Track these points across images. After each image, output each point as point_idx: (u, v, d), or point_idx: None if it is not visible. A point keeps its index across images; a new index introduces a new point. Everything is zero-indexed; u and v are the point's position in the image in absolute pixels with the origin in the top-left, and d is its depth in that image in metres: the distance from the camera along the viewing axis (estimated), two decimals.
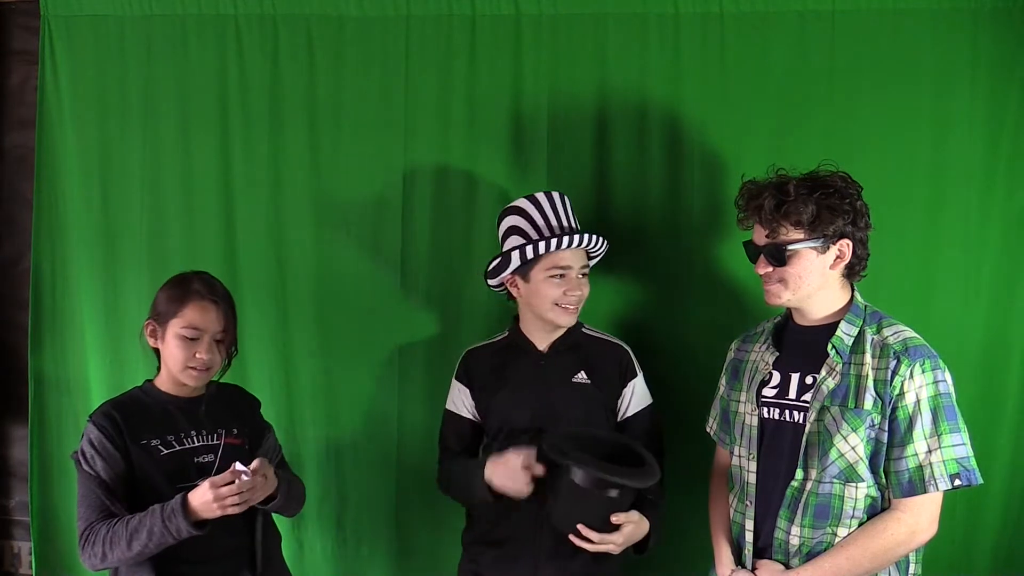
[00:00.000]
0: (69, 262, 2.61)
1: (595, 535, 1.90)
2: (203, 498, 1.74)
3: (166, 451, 1.88)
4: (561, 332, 2.16)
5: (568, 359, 2.15)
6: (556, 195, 2.15)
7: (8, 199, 2.77)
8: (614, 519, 1.90)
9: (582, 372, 2.14)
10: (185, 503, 1.75)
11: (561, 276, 2.09)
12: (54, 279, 2.62)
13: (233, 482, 1.74)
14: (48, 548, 2.64)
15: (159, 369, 1.98)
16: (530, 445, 1.98)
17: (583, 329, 2.21)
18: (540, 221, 2.12)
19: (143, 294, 2.55)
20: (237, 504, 1.75)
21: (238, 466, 1.76)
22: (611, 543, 1.92)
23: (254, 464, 1.79)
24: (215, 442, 1.94)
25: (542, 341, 2.17)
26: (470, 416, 2.21)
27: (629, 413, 2.16)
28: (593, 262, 2.20)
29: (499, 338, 2.24)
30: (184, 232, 2.57)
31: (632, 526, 1.94)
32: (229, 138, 2.55)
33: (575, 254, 2.10)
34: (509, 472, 1.97)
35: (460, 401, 2.22)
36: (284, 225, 2.55)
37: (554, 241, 2.06)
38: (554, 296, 2.09)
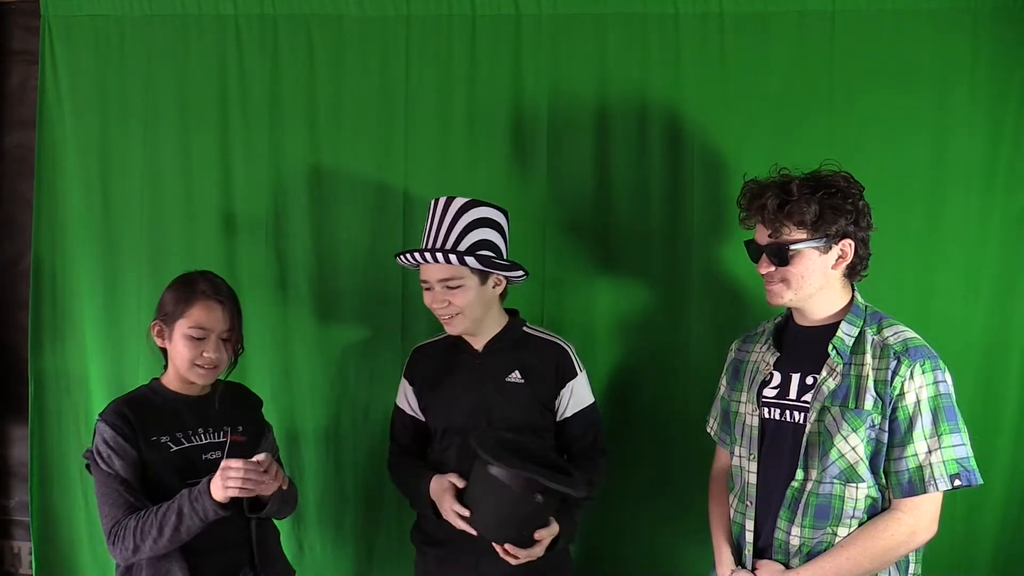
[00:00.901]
0: (69, 262, 2.61)
1: (522, 552, 1.93)
2: (215, 480, 1.79)
3: (175, 448, 1.91)
4: (496, 332, 2.15)
5: (503, 359, 2.14)
6: (441, 203, 2.09)
7: (8, 199, 2.77)
8: (537, 535, 1.93)
9: (516, 372, 2.12)
10: (209, 486, 1.79)
11: (427, 289, 2.10)
12: (54, 279, 2.62)
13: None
14: (48, 548, 2.64)
15: (166, 368, 1.99)
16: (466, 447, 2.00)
17: (524, 328, 2.19)
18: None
19: (143, 294, 2.56)
20: (240, 488, 1.77)
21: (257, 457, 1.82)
22: (533, 555, 1.95)
23: (260, 457, 1.82)
24: (221, 439, 1.97)
25: (477, 341, 2.16)
26: (412, 414, 2.23)
27: (567, 414, 2.15)
28: (495, 273, 2.09)
29: (443, 335, 2.22)
30: (184, 232, 2.57)
31: (550, 537, 1.96)
32: (229, 138, 2.56)
33: (431, 268, 2.06)
34: (445, 508, 2.00)
35: (404, 398, 2.24)
36: (284, 225, 2.55)
37: (400, 258, 2.11)
38: (427, 305, 2.11)
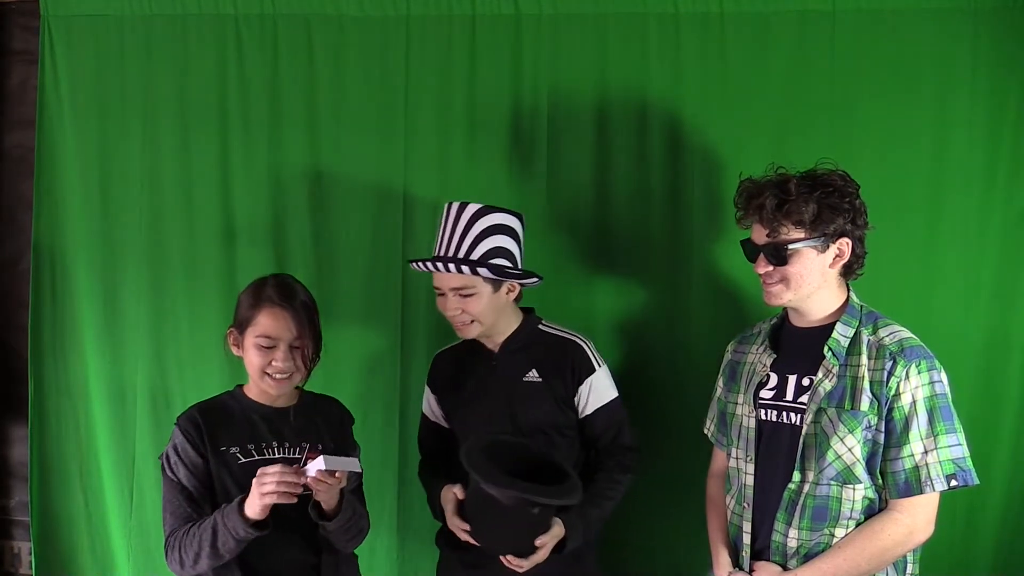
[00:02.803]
0: (69, 262, 2.61)
1: (524, 562, 1.92)
2: (252, 491, 1.68)
3: (243, 460, 1.83)
4: (511, 331, 2.15)
5: (520, 358, 2.13)
6: (454, 208, 2.09)
7: (8, 199, 2.76)
8: (538, 542, 1.91)
9: (533, 370, 2.12)
10: (242, 501, 1.70)
11: (440, 295, 2.09)
12: (54, 279, 2.62)
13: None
14: (48, 548, 2.64)
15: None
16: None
17: (539, 326, 2.19)
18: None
19: (143, 294, 2.57)
20: (277, 493, 1.65)
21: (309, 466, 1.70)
22: (535, 561, 1.93)
23: (318, 463, 1.68)
24: (295, 456, 1.87)
25: (492, 342, 2.16)
26: (435, 420, 2.25)
27: (588, 411, 2.12)
28: (516, 282, 2.11)
29: (464, 340, 2.21)
30: (184, 232, 2.57)
31: (553, 540, 1.95)
32: (229, 138, 2.55)
33: (443, 276, 2.06)
34: (448, 521, 2.01)
35: (428, 404, 2.27)
36: (284, 225, 2.55)
37: (414, 265, 2.11)
38: (441, 311, 2.11)
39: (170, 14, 2.56)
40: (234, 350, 1.91)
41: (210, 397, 1.95)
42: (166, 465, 1.82)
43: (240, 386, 1.95)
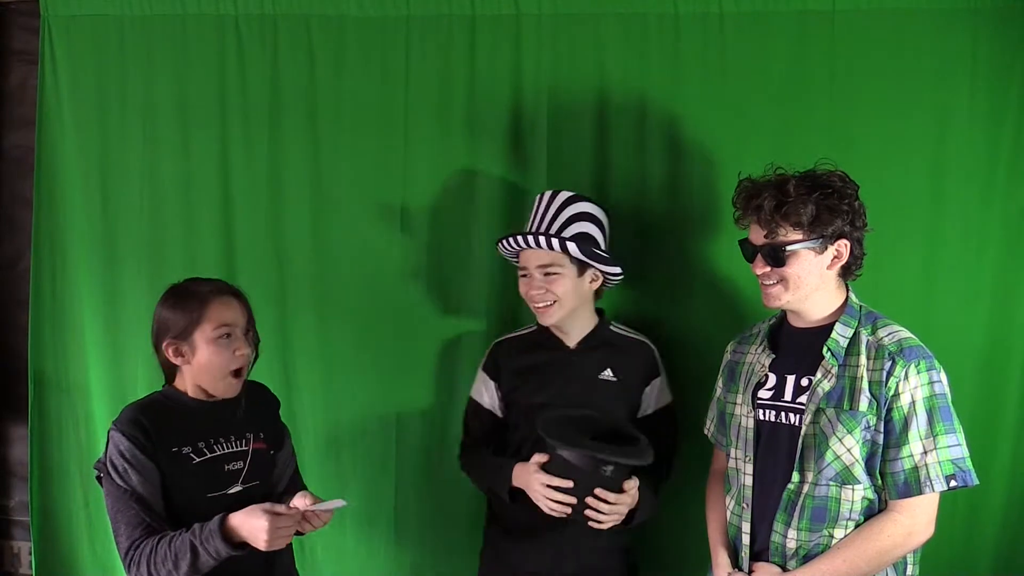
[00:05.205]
0: (69, 262, 2.61)
1: (611, 496, 1.92)
2: (250, 524, 1.66)
3: (198, 459, 1.79)
4: (589, 330, 2.19)
5: (596, 356, 2.18)
6: (546, 195, 2.19)
7: (8, 199, 2.77)
8: (625, 485, 1.94)
9: (609, 370, 2.16)
10: (223, 524, 1.66)
11: (523, 276, 2.14)
12: (54, 279, 2.62)
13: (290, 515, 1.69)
14: (48, 548, 2.64)
15: (167, 381, 1.88)
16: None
17: (610, 327, 2.23)
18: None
19: (143, 294, 2.56)
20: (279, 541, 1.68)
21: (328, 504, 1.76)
22: (623, 504, 1.95)
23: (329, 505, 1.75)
24: (243, 448, 1.85)
25: (569, 338, 2.19)
26: (490, 408, 2.25)
27: (648, 411, 2.19)
28: (593, 266, 2.14)
29: (527, 331, 2.27)
30: (184, 232, 2.57)
31: (631, 498, 1.96)
32: (229, 138, 2.55)
33: (531, 254, 2.13)
34: (535, 489, 1.98)
35: (484, 392, 2.26)
36: (284, 225, 2.55)
37: (504, 243, 2.15)
38: (523, 294, 2.15)
39: (170, 14, 2.56)
40: (177, 361, 1.82)
41: (141, 398, 1.87)
42: (112, 474, 1.72)
43: (168, 385, 1.88)
